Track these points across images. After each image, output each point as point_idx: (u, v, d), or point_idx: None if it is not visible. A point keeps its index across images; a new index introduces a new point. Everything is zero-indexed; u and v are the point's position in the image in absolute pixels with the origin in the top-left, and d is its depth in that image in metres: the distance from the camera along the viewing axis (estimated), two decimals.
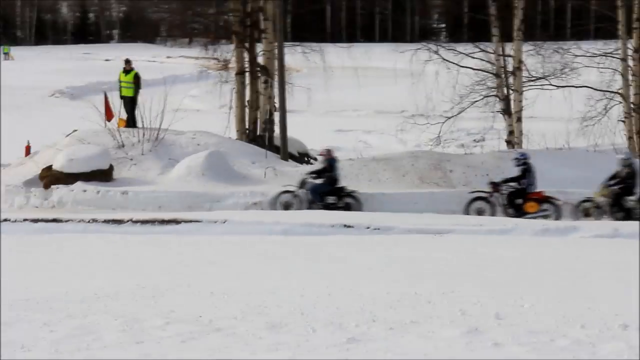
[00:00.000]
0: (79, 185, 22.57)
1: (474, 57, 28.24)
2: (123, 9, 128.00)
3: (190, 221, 18.00)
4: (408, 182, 23.39)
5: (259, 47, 28.88)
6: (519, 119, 27.75)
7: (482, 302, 10.41)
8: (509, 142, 27.85)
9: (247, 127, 28.75)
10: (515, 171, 21.57)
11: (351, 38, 78.62)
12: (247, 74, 28.92)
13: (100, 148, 24.02)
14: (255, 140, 27.91)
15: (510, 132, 27.84)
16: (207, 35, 32.81)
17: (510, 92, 28.02)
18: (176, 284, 11.73)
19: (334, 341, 8.73)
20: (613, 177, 21.08)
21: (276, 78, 27.67)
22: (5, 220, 18.27)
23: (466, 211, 21.20)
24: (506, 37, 28.02)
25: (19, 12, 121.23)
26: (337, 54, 30.40)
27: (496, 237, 16.68)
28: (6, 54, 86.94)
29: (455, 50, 28.65)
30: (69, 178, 22.87)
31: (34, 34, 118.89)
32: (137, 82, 26.25)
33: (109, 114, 26.37)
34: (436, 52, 28.44)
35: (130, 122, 26.23)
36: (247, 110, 28.87)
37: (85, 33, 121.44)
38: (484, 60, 28.41)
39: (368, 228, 17.29)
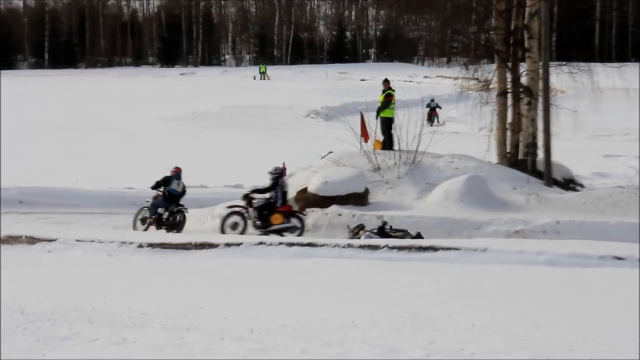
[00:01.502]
0: (334, 208, 22.95)
1: None
2: (380, 27, 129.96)
3: (449, 248, 17.90)
4: None
5: (522, 67, 28.55)
6: None
7: None
8: None
9: (508, 150, 28.47)
10: (267, 183, 22.74)
11: (621, 57, 76.63)
12: (509, 95, 28.65)
13: (356, 171, 24.34)
14: (517, 165, 27.57)
15: None
16: (466, 54, 32.82)
17: None
18: (435, 313, 11.69)
19: None
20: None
21: (540, 99, 27.24)
22: (261, 243, 18.80)
23: (221, 228, 22.29)
24: None
25: (276, 31, 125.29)
26: (606, 74, 29.58)
27: None
28: (263, 73, 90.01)
29: None
30: (324, 201, 23.30)
31: (290, 53, 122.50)
32: (386, 100, 26.54)
33: (365, 135, 26.72)
34: None
35: (387, 144, 26.51)
36: (508, 133, 28.59)
37: (342, 52, 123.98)
38: None
39: None
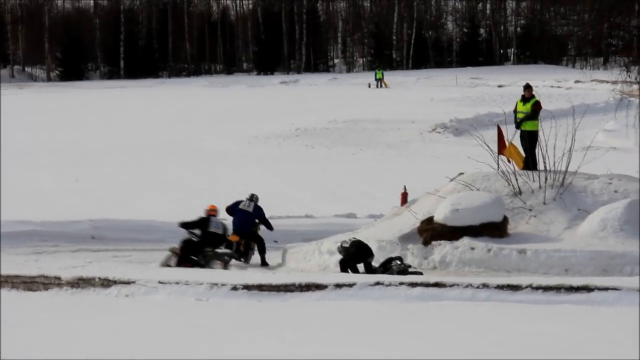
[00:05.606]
0: (465, 241, 22.92)
1: None
2: (522, 22, 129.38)
3: (606, 289, 17.76)
4: None
5: None
6: None
7: None
8: None
9: None
10: None
11: None
12: None
13: (492, 196, 24.28)
14: None
15: None
16: (628, 53, 32.46)
17: None
18: None
19: None
20: None
21: None
22: (378, 283, 18.88)
23: None
24: None
25: (395, 29, 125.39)
26: None
27: None
28: (379, 80, 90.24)
29: None
30: (454, 232, 23.26)
31: (411, 55, 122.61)
32: (533, 110, 26.38)
33: (503, 151, 26.58)
34: None
35: (529, 163, 26.39)
36: None
37: (474, 53, 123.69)
38: None
39: None
